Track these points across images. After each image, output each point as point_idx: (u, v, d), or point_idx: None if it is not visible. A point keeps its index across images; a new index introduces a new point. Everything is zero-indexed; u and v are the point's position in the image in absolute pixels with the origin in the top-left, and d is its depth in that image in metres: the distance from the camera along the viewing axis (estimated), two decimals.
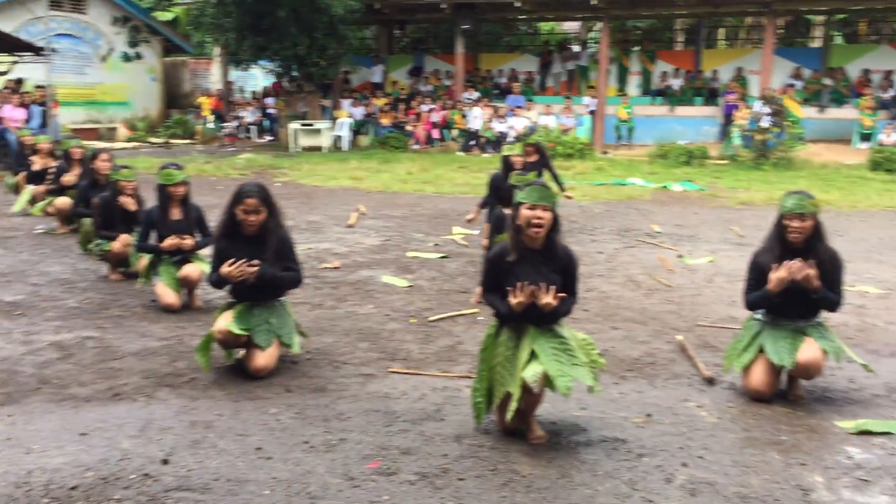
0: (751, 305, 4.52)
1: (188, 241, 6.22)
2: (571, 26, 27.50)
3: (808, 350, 4.32)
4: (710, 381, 4.69)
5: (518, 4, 20.97)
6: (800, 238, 4.30)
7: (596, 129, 20.83)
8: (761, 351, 4.43)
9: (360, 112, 22.73)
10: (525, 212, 3.72)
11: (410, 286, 7.05)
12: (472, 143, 20.53)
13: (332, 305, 6.39)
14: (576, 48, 24.96)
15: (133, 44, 25.33)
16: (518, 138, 18.70)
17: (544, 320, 3.78)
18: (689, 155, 17.64)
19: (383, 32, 26.76)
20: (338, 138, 21.84)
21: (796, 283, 4.28)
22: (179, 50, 27.69)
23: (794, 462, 3.67)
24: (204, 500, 3.26)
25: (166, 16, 29.57)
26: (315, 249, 8.60)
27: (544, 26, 28.34)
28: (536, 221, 3.70)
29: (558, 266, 3.81)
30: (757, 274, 4.45)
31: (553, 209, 3.76)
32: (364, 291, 6.85)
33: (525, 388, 3.69)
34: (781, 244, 4.37)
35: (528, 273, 3.75)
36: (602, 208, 11.77)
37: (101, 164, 7.87)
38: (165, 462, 3.57)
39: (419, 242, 9.10)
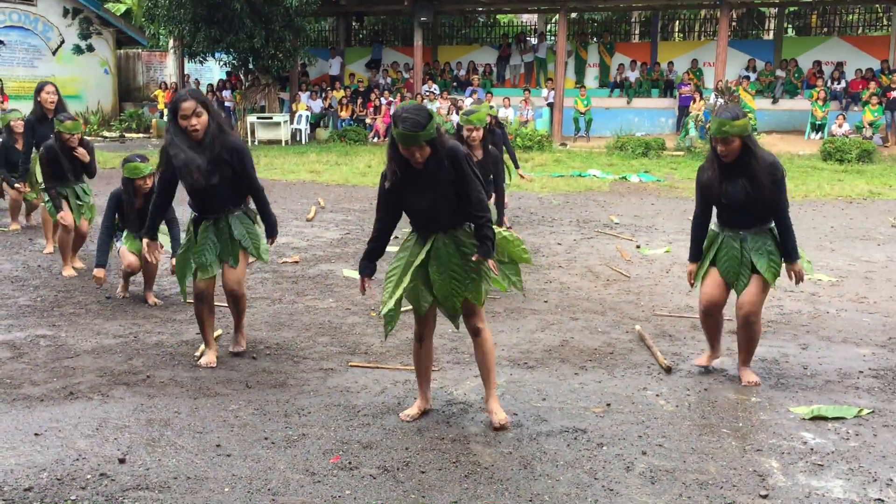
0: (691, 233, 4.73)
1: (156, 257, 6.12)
2: (529, 18, 27.57)
3: (749, 293, 4.45)
4: (668, 370, 4.75)
5: None
6: (728, 158, 4.38)
7: (554, 121, 20.93)
8: (714, 263, 4.57)
9: (318, 105, 22.57)
10: (402, 150, 3.68)
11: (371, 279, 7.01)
12: None
13: (292, 300, 6.34)
14: (534, 40, 25.03)
15: (85, 36, 24.83)
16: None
17: (447, 226, 3.82)
18: (646, 146, 17.83)
19: (341, 24, 26.59)
20: (296, 131, 21.66)
21: (735, 198, 4.38)
22: (133, 42, 27.21)
23: (750, 448, 3.73)
24: (162, 499, 3.21)
25: (119, 7, 29.05)
26: (274, 244, 8.51)
27: (502, 18, 28.38)
28: (414, 160, 3.69)
29: (447, 173, 3.70)
30: (700, 189, 4.58)
31: (430, 141, 3.64)
32: (324, 285, 6.81)
33: (473, 333, 3.96)
34: (717, 162, 4.45)
35: (419, 192, 3.76)
36: (561, 200, 11.84)
37: (46, 97, 7.84)
38: (122, 461, 3.51)
39: None
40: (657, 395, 4.39)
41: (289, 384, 4.51)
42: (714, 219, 4.66)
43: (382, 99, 21.99)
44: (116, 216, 6.24)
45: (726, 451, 3.69)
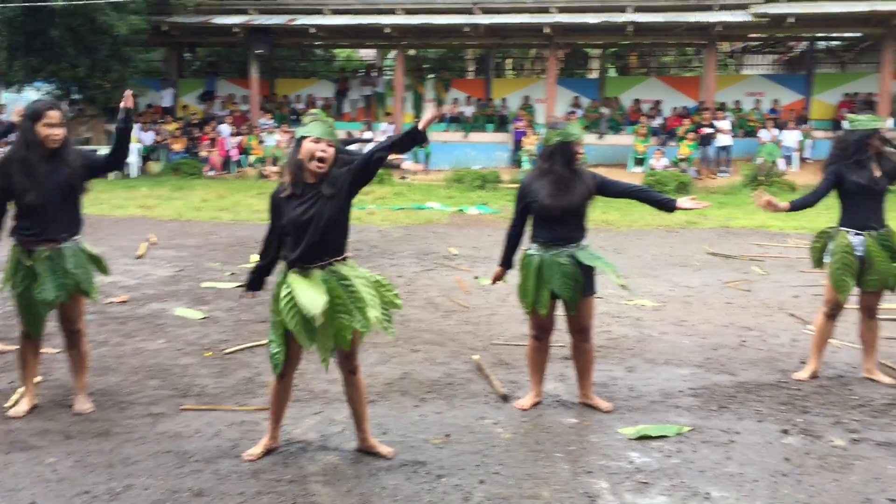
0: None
1: None
2: (367, 53, 27.83)
3: (582, 309, 4.62)
4: (505, 398, 4.86)
5: (313, 31, 20.95)
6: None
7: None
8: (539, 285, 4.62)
9: (150, 137, 21.70)
10: (309, 145, 3.70)
11: (205, 318, 6.78)
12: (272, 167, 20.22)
13: (119, 342, 6.01)
14: (372, 75, 25.27)
15: None
16: None
17: (328, 255, 3.78)
18: (483, 179, 18.32)
19: (173, 55, 25.76)
20: (125, 164, 20.73)
21: (572, 203, 4.55)
22: None
23: (581, 471, 3.86)
24: None
25: None
26: (99, 283, 8.06)
27: (340, 53, 28.49)
28: (321, 155, 3.70)
29: (334, 191, 3.75)
30: (526, 198, 4.68)
31: (335, 146, 3.76)
32: (154, 325, 6.51)
33: (349, 371, 3.94)
34: (554, 166, 4.60)
35: (303, 208, 3.73)
36: (401, 232, 11.93)
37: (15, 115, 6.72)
38: None
39: (215, 272, 8.79)
40: (495, 424, 4.47)
41: (113, 432, 4.26)
42: (531, 243, 4.70)
43: (224, 126, 21.34)
44: None
45: (559, 475, 3.81)
